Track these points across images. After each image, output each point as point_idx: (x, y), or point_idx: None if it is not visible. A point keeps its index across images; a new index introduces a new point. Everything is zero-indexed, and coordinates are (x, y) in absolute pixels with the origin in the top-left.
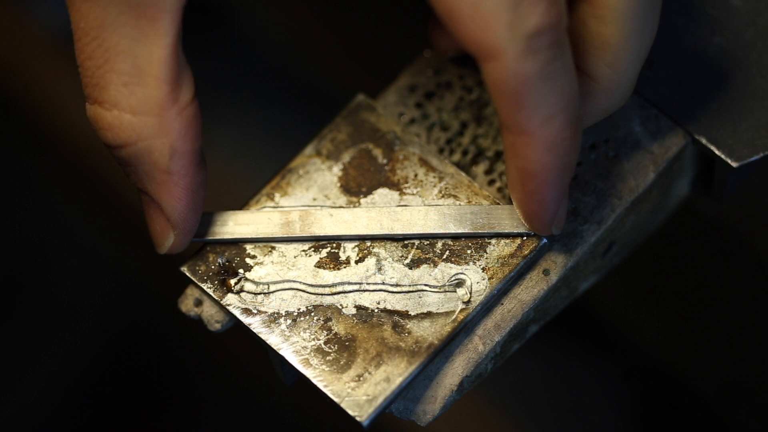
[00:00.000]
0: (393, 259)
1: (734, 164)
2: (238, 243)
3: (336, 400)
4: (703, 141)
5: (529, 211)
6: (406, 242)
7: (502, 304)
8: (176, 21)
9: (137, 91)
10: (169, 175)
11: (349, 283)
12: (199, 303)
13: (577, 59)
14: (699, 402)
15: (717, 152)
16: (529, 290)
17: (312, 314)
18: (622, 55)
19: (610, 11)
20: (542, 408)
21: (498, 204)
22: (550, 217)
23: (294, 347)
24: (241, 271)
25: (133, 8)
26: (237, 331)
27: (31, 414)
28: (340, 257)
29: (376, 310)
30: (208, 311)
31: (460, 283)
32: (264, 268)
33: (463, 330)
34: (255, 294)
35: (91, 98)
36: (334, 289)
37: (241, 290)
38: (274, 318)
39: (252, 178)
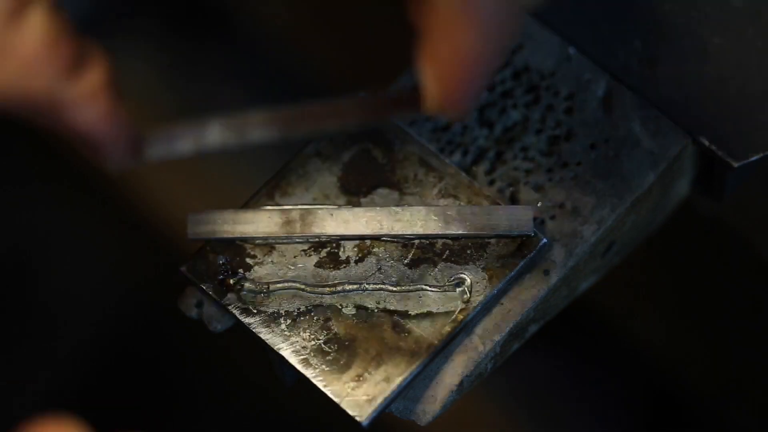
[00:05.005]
0: (393, 259)
1: (734, 164)
2: (238, 241)
3: (336, 400)
4: (703, 141)
5: (452, 93)
6: (406, 242)
7: (502, 303)
8: None
9: None
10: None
11: (349, 283)
12: (199, 303)
13: None
14: (699, 402)
15: (717, 152)
16: (529, 290)
17: (312, 314)
18: None
19: None
20: (542, 408)
21: (498, 204)
22: (473, 104)
23: (294, 347)
24: (241, 270)
25: None
26: (237, 331)
27: (29, 414)
28: (340, 257)
29: (376, 310)
30: (208, 311)
31: (460, 283)
32: (264, 268)
33: (463, 330)
34: (255, 294)
35: None
36: (334, 289)
37: (241, 290)
38: (274, 318)
39: (252, 178)
